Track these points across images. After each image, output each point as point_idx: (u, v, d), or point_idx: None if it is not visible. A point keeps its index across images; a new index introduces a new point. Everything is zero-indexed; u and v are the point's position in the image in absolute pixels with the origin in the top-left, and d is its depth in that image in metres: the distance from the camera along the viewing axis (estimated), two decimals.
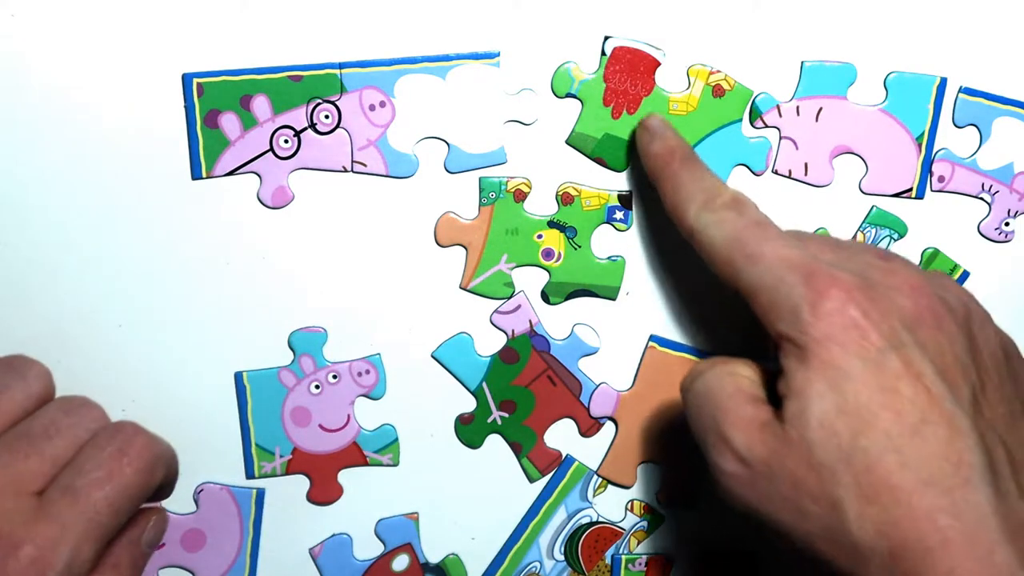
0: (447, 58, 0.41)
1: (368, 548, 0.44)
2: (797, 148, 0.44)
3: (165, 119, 0.39)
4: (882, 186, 0.44)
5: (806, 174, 0.44)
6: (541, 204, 0.43)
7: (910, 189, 0.45)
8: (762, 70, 0.43)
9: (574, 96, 0.42)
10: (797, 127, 0.44)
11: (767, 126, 0.44)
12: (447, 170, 0.42)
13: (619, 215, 0.43)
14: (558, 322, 0.44)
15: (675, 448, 0.45)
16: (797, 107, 0.44)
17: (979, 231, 0.46)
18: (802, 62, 0.43)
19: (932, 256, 0.45)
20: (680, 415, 0.45)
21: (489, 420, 0.44)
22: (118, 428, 0.32)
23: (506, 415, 0.44)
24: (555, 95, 0.42)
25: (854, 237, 0.45)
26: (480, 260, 0.43)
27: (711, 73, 0.43)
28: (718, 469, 0.33)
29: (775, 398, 0.34)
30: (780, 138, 0.44)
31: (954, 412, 0.31)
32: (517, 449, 0.44)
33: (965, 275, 0.46)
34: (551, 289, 0.43)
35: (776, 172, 0.44)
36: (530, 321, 0.43)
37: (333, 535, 0.43)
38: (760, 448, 0.32)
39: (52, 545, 0.28)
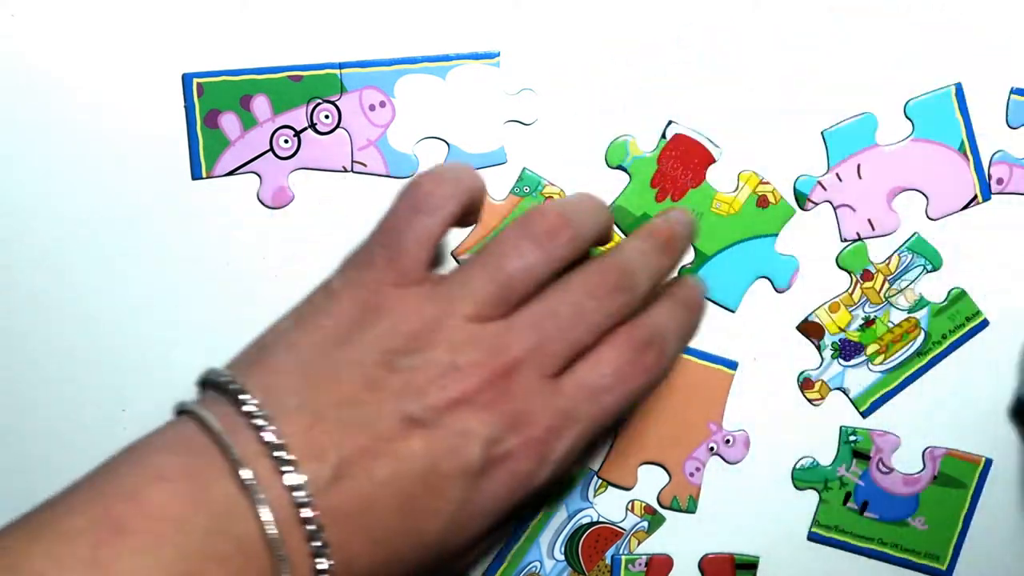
0: (447, 58, 0.41)
1: None
2: (855, 211, 0.43)
3: (165, 119, 0.39)
4: (947, 205, 0.43)
5: (874, 229, 0.43)
6: None
7: (975, 197, 0.43)
8: (792, 155, 0.43)
9: (624, 169, 0.42)
10: (845, 192, 0.43)
11: (817, 204, 0.43)
12: None
13: None
14: None
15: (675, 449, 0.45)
16: (837, 174, 0.43)
17: None
18: (822, 132, 0.43)
19: (958, 297, 0.43)
20: (680, 415, 0.44)
21: None
22: (642, 329, 0.31)
23: None
24: (607, 164, 0.42)
25: (889, 259, 0.44)
26: (482, 239, 0.42)
27: (761, 182, 0.42)
28: None
29: None
30: (836, 208, 0.43)
31: None
32: None
33: (984, 324, 0.44)
34: None
35: (845, 240, 0.43)
36: None
37: None
38: None
39: (558, 434, 0.28)
